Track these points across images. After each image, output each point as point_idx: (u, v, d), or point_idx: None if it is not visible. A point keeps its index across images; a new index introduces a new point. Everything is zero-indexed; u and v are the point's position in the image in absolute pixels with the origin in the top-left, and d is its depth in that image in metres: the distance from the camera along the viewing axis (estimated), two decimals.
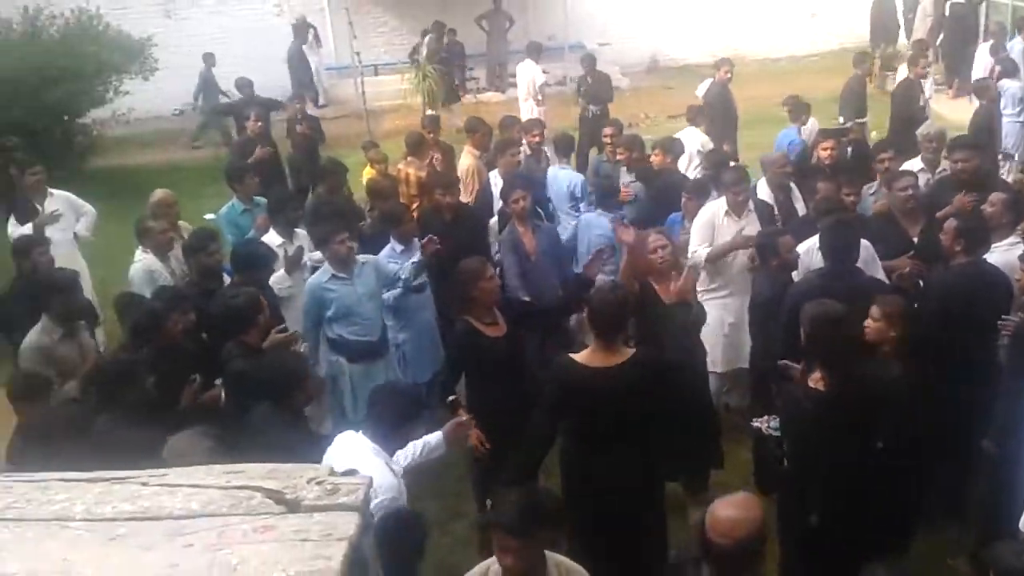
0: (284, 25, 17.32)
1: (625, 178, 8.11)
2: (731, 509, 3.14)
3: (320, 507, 1.72)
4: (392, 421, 4.25)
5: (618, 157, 8.36)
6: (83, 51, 12.84)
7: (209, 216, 10.02)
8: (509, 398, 5.07)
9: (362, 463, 3.84)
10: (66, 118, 13.49)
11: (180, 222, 7.28)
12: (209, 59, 15.31)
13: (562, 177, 8.28)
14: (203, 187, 11.81)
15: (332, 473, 1.87)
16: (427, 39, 16.20)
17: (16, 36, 13.18)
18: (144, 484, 1.85)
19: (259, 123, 10.26)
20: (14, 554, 1.66)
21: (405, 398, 4.53)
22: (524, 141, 8.71)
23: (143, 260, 6.50)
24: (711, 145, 9.19)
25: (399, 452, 4.33)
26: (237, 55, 15.59)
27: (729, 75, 11.15)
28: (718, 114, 10.52)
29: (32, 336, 5.33)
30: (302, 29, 15.77)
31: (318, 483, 1.80)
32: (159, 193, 7.33)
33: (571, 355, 4.62)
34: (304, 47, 16.48)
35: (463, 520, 5.74)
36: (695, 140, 9.22)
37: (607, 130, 8.99)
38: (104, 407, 4.54)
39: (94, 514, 1.77)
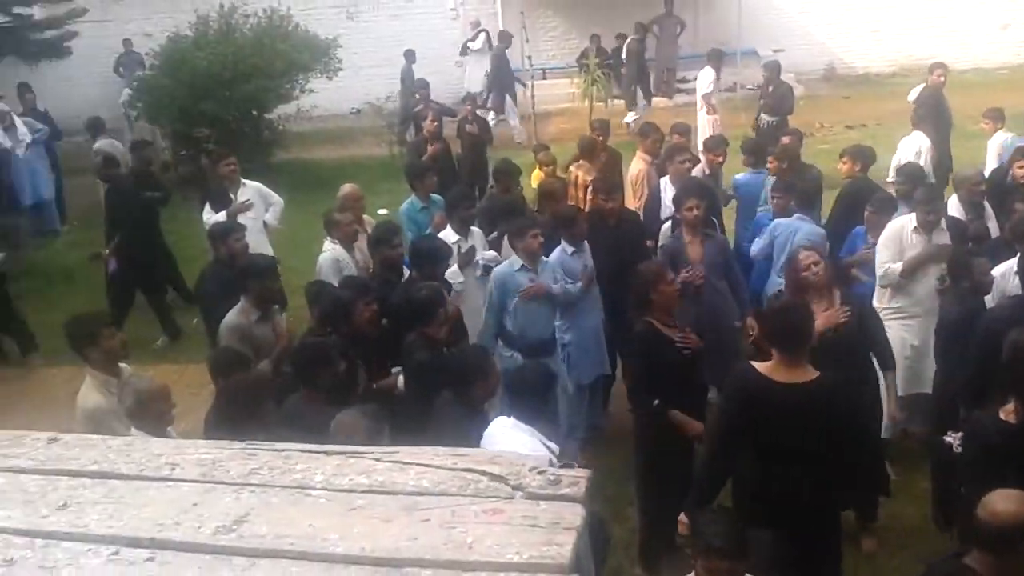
0: (458, 28, 17.79)
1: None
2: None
3: (544, 496, 1.78)
4: (530, 397, 4.45)
5: (767, 166, 8.16)
6: (273, 49, 13.59)
7: (382, 211, 10.43)
8: (686, 399, 5.07)
9: (516, 442, 3.97)
10: (255, 113, 14.30)
11: (364, 216, 7.60)
12: (410, 56, 15.81)
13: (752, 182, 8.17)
14: (377, 183, 12.27)
15: (552, 464, 1.92)
16: (627, 41, 16.21)
17: (212, 33, 14.07)
18: (377, 460, 1.95)
19: (435, 123, 10.60)
20: (263, 517, 1.79)
21: (537, 374, 4.71)
22: (703, 158, 8.60)
23: (331, 250, 6.83)
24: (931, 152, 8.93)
25: None
26: (416, 56, 16.13)
27: (943, 79, 10.65)
28: (931, 119, 10.06)
29: (231, 316, 5.70)
30: (505, 36, 15.90)
31: (539, 472, 1.85)
32: (347, 188, 7.68)
33: (753, 364, 4.52)
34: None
35: (625, 524, 5.74)
36: (913, 146, 8.97)
37: (785, 139, 8.76)
38: (297, 386, 4.82)
39: (333, 485, 1.89)
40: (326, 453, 2.02)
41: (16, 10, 13.28)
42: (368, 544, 1.68)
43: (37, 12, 13.98)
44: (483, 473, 1.85)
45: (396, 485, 1.85)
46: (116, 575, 1.68)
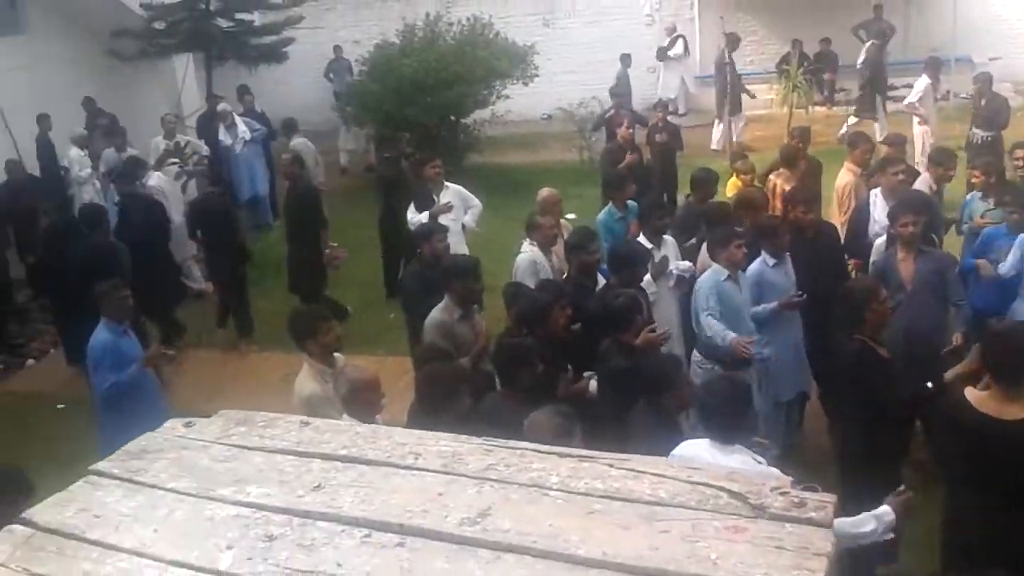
0: (653, 34, 17.68)
1: (979, 205, 7.39)
2: None
3: (789, 518, 1.73)
4: (727, 412, 4.13)
5: (972, 180, 7.58)
6: (474, 56, 13.97)
7: (570, 216, 10.51)
8: (890, 419, 4.84)
9: (720, 460, 3.81)
10: (453, 118, 14.75)
11: (568, 217, 7.68)
12: (626, 60, 15.88)
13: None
14: (566, 188, 12.34)
15: (794, 485, 1.87)
16: (866, 46, 15.60)
17: (418, 41, 14.63)
18: (610, 466, 1.96)
19: (630, 131, 10.58)
20: (504, 512, 1.83)
21: (737, 387, 4.43)
22: (927, 171, 8.14)
23: (529, 252, 6.95)
24: None
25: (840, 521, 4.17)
26: (607, 63, 16.16)
27: None
28: None
29: (435, 314, 5.91)
30: (733, 40, 15.58)
31: (782, 493, 1.80)
32: (545, 192, 7.79)
33: (966, 394, 4.23)
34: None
35: None
36: None
37: (1019, 152, 8.15)
38: (492, 384, 4.95)
39: (569, 487, 1.91)
40: (559, 455, 2.05)
41: (239, 16, 14.28)
42: (609, 549, 1.69)
43: (258, 19, 15.00)
44: (721, 489, 1.82)
45: (632, 493, 1.86)
46: (369, 557, 1.76)
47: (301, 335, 5.27)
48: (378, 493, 1.94)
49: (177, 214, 10.69)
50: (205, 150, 12.80)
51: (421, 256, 7.11)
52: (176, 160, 11.63)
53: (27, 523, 1.92)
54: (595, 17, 18.56)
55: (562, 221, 7.80)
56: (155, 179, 10.76)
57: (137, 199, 9.84)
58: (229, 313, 9.82)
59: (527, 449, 2.09)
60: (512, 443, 2.13)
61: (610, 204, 8.05)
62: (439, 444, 2.14)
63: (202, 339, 9.95)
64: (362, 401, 4.56)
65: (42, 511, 1.96)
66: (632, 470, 1.95)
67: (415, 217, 8.53)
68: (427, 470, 2.02)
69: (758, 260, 6.53)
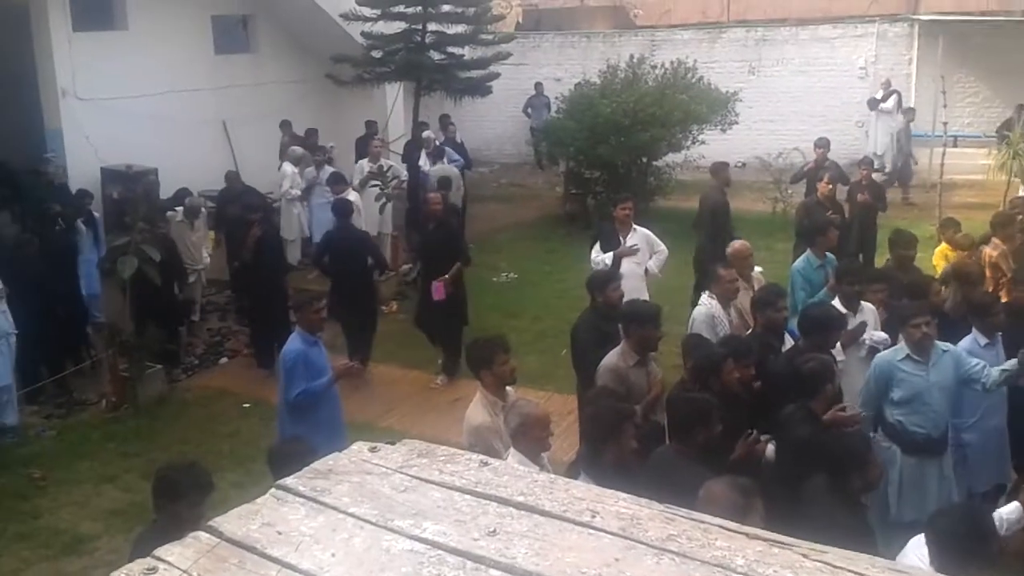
0: (865, 88, 16.99)
1: None
2: None
3: None
4: (965, 548, 3.58)
5: None
6: (674, 100, 13.88)
7: (758, 269, 10.16)
8: None
9: None
10: (644, 159, 14.68)
11: (756, 271, 7.41)
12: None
13: None
14: (756, 239, 11.98)
15: None
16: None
17: (619, 82, 14.69)
18: (804, 556, 1.81)
19: (830, 187, 10.16)
20: None
21: (982, 522, 3.84)
22: None
23: (707, 305, 6.74)
24: None
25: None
26: (812, 114, 15.66)
27: None
28: None
29: (611, 358, 5.83)
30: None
31: None
32: (737, 244, 7.57)
33: None
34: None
35: None
36: None
37: None
38: (671, 437, 4.80)
39: (755, 572, 1.78)
40: (748, 535, 1.92)
41: (450, 50, 14.83)
42: None
43: (468, 53, 15.52)
44: None
45: None
46: None
47: (476, 364, 5.32)
48: (553, 548, 1.87)
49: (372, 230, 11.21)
50: (405, 175, 13.32)
51: (595, 304, 6.95)
52: (378, 183, 12.19)
53: (213, 532, 1.97)
54: (804, 67, 18.07)
55: (754, 274, 7.53)
56: (353, 196, 11.29)
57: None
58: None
59: (712, 524, 1.96)
60: (696, 515, 2.01)
61: (808, 252, 7.72)
62: (618, 504, 2.05)
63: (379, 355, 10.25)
64: (531, 437, 4.53)
65: (228, 521, 2.01)
66: (829, 564, 1.79)
67: (598, 257, 8.49)
68: (604, 531, 1.94)
69: (968, 338, 6.08)
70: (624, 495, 2.11)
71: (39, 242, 9.07)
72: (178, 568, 1.83)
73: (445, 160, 13.47)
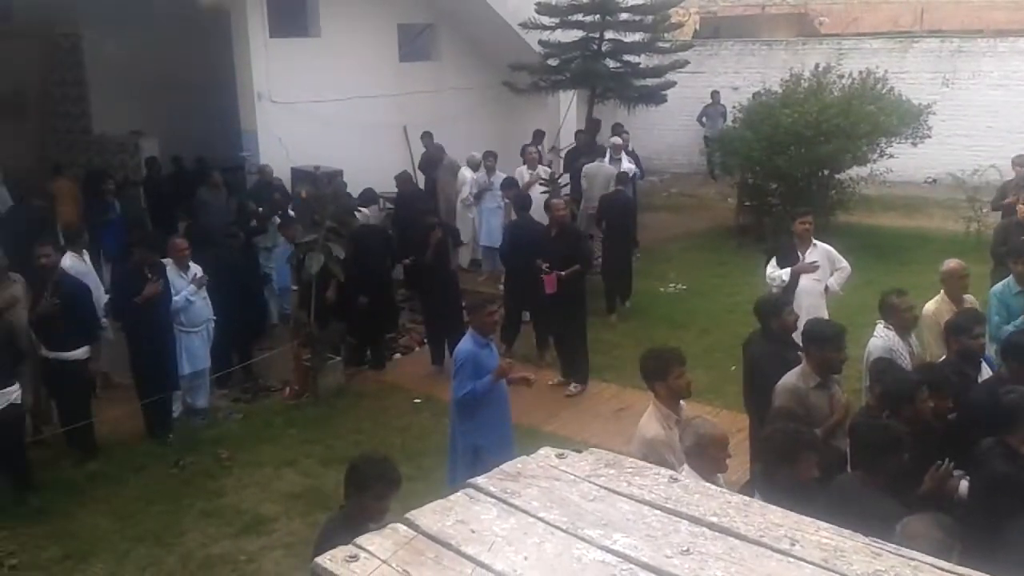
0: None
1: None
2: None
3: None
4: None
5: None
6: (861, 111, 13.27)
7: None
8: None
9: None
10: (826, 172, 14.12)
11: (966, 296, 6.94)
12: None
13: None
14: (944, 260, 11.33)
15: None
16: None
17: (802, 91, 14.19)
18: None
19: None
20: None
21: None
22: None
23: (883, 337, 6.27)
24: None
25: None
26: (1011, 130, 14.64)
27: None
28: None
29: (790, 378, 5.62)
30: None
31: None
32: (953, 263, 7.04)
33: None
34: None
35: None
36: None
37: None
38: (855, 465, 4.58)
39: None
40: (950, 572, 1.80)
41: (626, 58, 14.79)
42: None
43: (644, 61, 15.43)
44: None
45: None
46: None
47: (651, 375, 5.23)
48: (750, 574, 1.81)
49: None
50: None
51: (768, 329, 6.58)
52: (548, 189, 12.32)
53: (410, 525, 2.03)
54: (1002, 80, 16.92)
55: (966, 297, 7.00)
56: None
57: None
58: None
59: (923, 562, 1.85)
60: (904, 551, 1.90)
61: (1009, 277, 7.20)
62: (819, 534, 1.97)
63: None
64: (708, 457, 4.42)
65: (423, 516, 2.06)
66: None
67: (775, 272, 8.21)
68: (805, 560, 1.86)
69: None
70: (825, 524, 2.03)
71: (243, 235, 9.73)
72: (378, 557, 1.90)
73: (624, 167, 13.38)
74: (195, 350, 8.52)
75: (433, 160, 13.63)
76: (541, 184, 12.76)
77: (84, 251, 8.94)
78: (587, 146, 14.47)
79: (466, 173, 13.21)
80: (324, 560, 1.88)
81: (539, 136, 14.97)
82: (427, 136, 14.02)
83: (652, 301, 11.91)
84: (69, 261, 8.35)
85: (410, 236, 11.02)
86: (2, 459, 7.03)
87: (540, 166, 13.43)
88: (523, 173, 13.04)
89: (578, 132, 15.10)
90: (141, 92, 14.60)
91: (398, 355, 10.57)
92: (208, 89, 14.37)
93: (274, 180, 12.32)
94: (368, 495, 4.11)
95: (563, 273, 9.09)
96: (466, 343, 6.56)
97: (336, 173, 12.60)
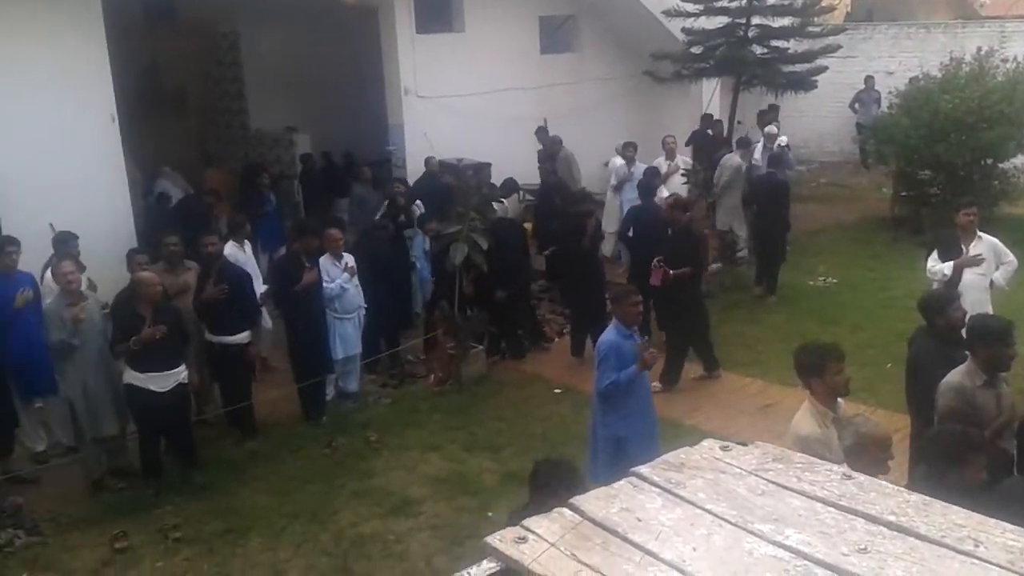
0: None
1: None
2: None
3: None
4: None
5: None
6: None
7: None
8: None
9: None
10: (988, 161, 13.33)
11: None
12: None
13: None
14: None
15: None
16: None
17: (963, 76, 13.44)
18: None
19: None
20: None
21: None
22: None
23: None
24: None
25: None
26: None
27: None
28: None
29: (955, 376, 5.34)
30: None
31: None
32: None
33: None
34: None
35: None
36: None
37: None
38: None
39: None
40: None
41: (773, 43, 14.34)
42: None
43: (792, 46, 14.94)
44: None
45: None
46: None
47: (807, 371, 5.06)
48: (932, 575, 1.74)
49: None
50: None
51: (934, 327, 6.24)
52: (687, 180, 12.13)
53: (575, 510, 2.04)
54: None
55: None
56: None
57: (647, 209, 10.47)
58: None
59: None
60: None
61: None
62: (1004, 535, 1.87)
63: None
64: (868, 457, 4.26)
65: (588, 502, 2.07)
66: None
67: (936, 266, 7.82)
68: (990, 563, 1.78)
69: None
70: (1010, 526, 1.93)
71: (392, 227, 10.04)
72: (546, 540, 1.92)
73: (755, 158, 13.03)
74: (348, 336, 8.84)
75: (550, 153, 13.66)
76: (681, 175, 12.58)
77: (245, 241, 9.42)
78: (717, 138, 14.18)
79: (616, 161, 13.18)
80: (494, 540, 1.92)
81: (708, 120, 14.75)
82: (541, 130, 14.02)
83: (800, 295, 11.54)
84: (230, 250, 8.82)
85: (553, 227, 11.08)
86: (170, 437, 7.49)
87: (679, 156, 13.24)
88: (661, 164, 12.88)
89: (716, 121, 14.77)
90: (294, 89, 15.25)
91: (539, 344, 10.63)
92: (355, 85, 14.85)
93: (437, 170, 12.57)
94: (550, 495, 4.17)
95: (671, 272, 8.97)
96: (609, 333, 6.54)
97: (483, 166, 12.79)
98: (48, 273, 7.87)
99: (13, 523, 6.87)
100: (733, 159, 12.49)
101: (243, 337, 8.08)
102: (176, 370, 7.18)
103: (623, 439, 6.49)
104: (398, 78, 13.56)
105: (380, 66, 13.89)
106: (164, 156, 13.86)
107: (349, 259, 8.78)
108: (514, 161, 12.84)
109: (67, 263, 7.43)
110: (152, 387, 7.04)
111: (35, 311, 7.59)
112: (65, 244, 8.07)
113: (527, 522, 1.98)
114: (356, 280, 8.77)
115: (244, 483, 7.56)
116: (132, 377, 7.05)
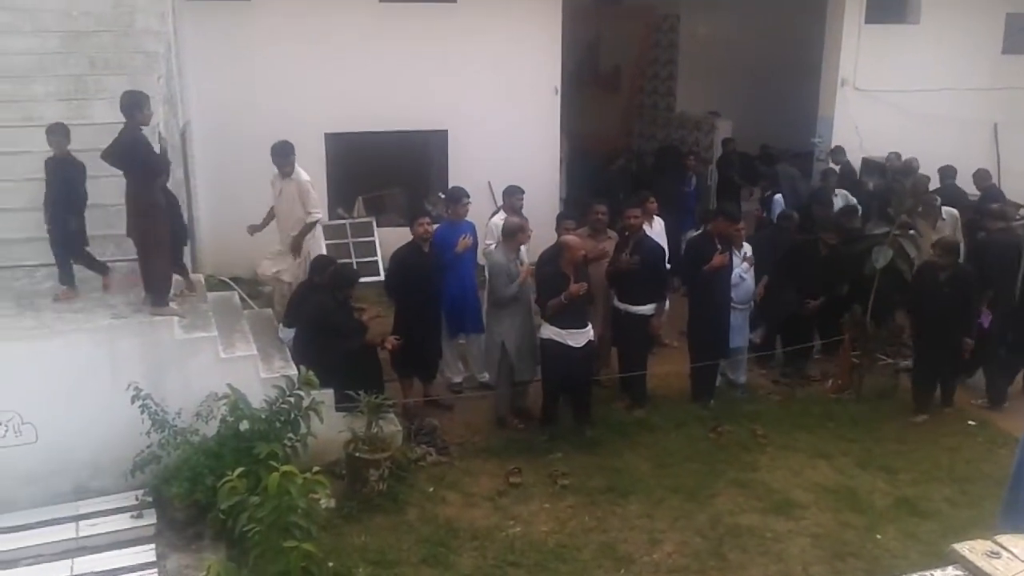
0: None
1: None
2: None
3: None
4: None
5: None
6: None
7: None
8: None
9: None
10: None
11: None
12: None
13: None
14: None
15: None
16: None
17: None
18: None
19: None
20: None
21: None
22: None
23: None
24: None
25: None
26: None
27: None
28: None
29: None
30: None
31: None
32: None
33: None
34: None
35: None
36: None
37: None
38: None
39: None
40: None
41: None
42: None
43: None
44: None
45: None
46: None
47: None
48: None
49: None
50: None
51: None
52: None
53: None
54: None
55: None
56: None
57: None
58: None
59: None
60: None
61: None
62: None
63: None
64: None
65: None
66: None
67: None
68: None
69: None
70: None
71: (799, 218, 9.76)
72: (1021, 560, 1.73)
73: None
74: (739, 327, 8.71)
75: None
76: None
77: (655, 217, 9.57)
78: None
79: None
80: (963, 548, 1.77)
81: None
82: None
83: None
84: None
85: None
86: (572, 390, 7.91)
87: None
88: None
89: None
90: (722, 74, 15.22)
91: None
92: (787, 73, 14.45)
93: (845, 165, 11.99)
94: None
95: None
96: None
97: (911, 169, 11.84)
98: (495, 219, 8.64)
99: (428, 441, 7.68)
100: None
101: (648, 309, 8.27)
102: (588, 328, 7.59)
103: None
104: (836, 68, 13.02)
105: (818, 54, 13.41)
106: (591, 130, 14.61)
107: (747, 249, 8.66)
108: (959, 168, 11.60)
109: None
110: (570, 342, 7.50)
111: (471, 256, 8.47)
112: (512, 196, 8.84)
113: (1002, 538, 1.80)
114: (752, 271, 8.65)
115: (629, 448, 7.77)
116: (552, 332, 7.54)
